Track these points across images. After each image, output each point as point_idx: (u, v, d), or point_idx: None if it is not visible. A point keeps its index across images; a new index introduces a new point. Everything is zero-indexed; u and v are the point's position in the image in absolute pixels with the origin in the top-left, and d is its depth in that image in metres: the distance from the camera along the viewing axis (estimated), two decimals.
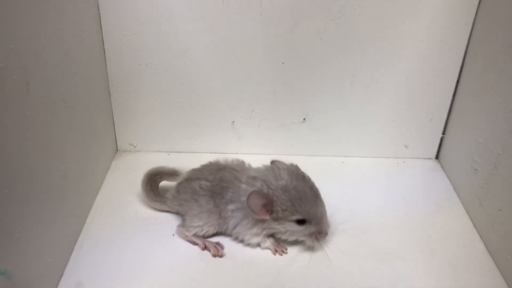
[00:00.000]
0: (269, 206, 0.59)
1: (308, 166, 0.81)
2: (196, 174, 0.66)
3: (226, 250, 0.64)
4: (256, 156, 0.84)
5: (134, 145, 0.84)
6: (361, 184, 0.78)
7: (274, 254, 0.63)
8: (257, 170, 0.64)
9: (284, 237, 0.62)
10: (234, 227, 0.63)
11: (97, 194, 0.73)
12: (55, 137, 0.56)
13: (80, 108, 0.65)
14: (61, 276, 0.58)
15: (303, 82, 0.77)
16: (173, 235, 0.66)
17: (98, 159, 0.75)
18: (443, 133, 0.83)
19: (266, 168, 0.63)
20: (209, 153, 0.85)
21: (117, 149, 0.84)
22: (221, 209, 0.62)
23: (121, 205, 0.71)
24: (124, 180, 0.77)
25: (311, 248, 0.63)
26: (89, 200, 0.71)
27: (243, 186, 0.61)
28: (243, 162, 0.67)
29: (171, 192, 0.68)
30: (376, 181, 0.79)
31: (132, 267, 0.60)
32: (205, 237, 0.64)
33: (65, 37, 0.58)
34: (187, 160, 0.82)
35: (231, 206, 0.61)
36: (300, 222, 0.60)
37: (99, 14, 0.70)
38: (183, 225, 0.65)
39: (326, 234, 0.62)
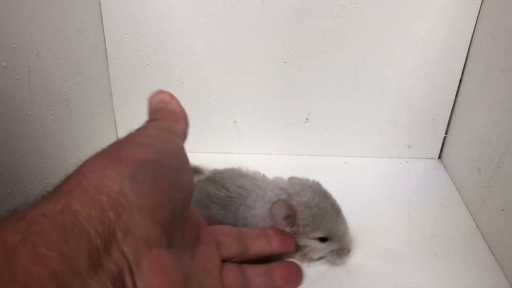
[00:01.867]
0: (291, 218, 0.58)
1: (310, 166, 0.82)
2: (217, 176, 0.64)
3: None
4: (257, 156, 0.84)
5: None
6: (363, 184, 0.78)
7: None
8: (281, 182, 0.62)
9: (304, 253, 0.61)
10: None
11: None
12: (57, 136, 0.56)
13: (82, 108, 0.65)
14: None
15: (305, 82, 0.77)
16: None
17: None
18: (446, 133, 0.82)
19: (289, 183, 0.62)
20: (211, 152, 0.85)
21: None
22: (236, 218, 0.60)
23: None
24: None
25: (333, 264, 0.62)
26: None
27: (269, 193, 0.60)
28: (263, 175, 0.66)
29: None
30: (379, 181, 0.79)
31: None
32: None
33: (67, 36, 0.58)
34: (189, 160, 0.83)
35: (252, 212, 0.60)
36: (322, 239, 0.59)
37: (101, 13, 0.70)
38: None
39: (349, 251, 0.61)
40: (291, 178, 0.64)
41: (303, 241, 0.59)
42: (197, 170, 0.70)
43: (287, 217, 0.58)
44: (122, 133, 0.82)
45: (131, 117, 0.81)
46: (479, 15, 0.71)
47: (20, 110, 0.47)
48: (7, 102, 0.45)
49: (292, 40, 0.73)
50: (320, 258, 0.61)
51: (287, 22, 0.71)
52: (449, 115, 0.80)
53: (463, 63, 0.75)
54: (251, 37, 0.73)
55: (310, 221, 0.58)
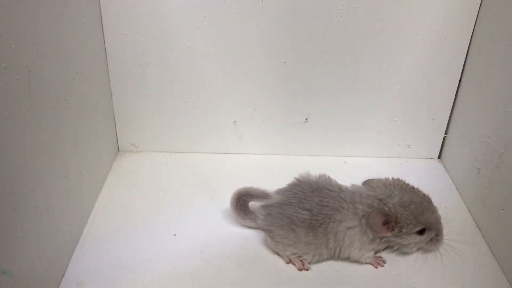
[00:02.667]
0: (390, 223, 0.59)
1: (310, 166, 0.81)
2: (289, 198, 0.63)
3: (226, 248, 0.64)
4: (258, 156, 0.84)
5: (136, 145, 0.84)
6: None
7: (377, 267, 0.62)
8: (361, 189, 0.63)
9: (405, 250, 0.63)
10: (349, 247, 0.61)
11: (99, 194, 0.73)
12: (56, 136, 0.56)
13: (82, 108, 0.65)
14: (63, 276, 0.58)
15: (305, 82, 0.77)
16: (174, 235, 0.66)
17: (100, 159, 0.75)
18: (446, 133, 0.82)
19: (371, 187, 0.63)
20: (211, 153, 0.85)
21: (118, 150, 0.84)
22: (328, 238, 0.60)
23: (123, 205, 0.71)
24: (125, 180, 0.77)
25: (426, 251, 0.64)
26: (91, 199, 0.71)
27: (360, 206, 0.60)
28: (334, 179, 0.66)
29: (261, 212, 0.65)
30: None
31: (134, 267, 0.60)
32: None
33: (67, 37, 0.58)
34: (189, 161, 0.83)
35: (344, 227, 0.60)
36: (421, 232, 0.61)
37: (100, 13, 0.70)
38: (275, 243, 0.62)
39: (443, 236, 0.63)
40: (367, 181, 0.65)
41: (406, 240, 0.61)
42: (264, 196, 0.65)
43: (385, 223, 0.59)
44: (122, 133, 0.83)
45: (131, 117, 0.81)
46: (479, 15, 0.71)
47: (19, 110, 0.47)
48: (7, 102, 0.44)
49: (292, 40, 0.73)
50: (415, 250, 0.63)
51: (286, 22, 0.71)
52: (449, 115, 0.80)
53: (463, 63, 0.75)
54: (250, 37, 0.73)
55: (412, 219, 0.59)
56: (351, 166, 0.83)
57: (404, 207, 0.59)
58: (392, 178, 0.64)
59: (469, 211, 0.72)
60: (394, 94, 0.78)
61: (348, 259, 0.62)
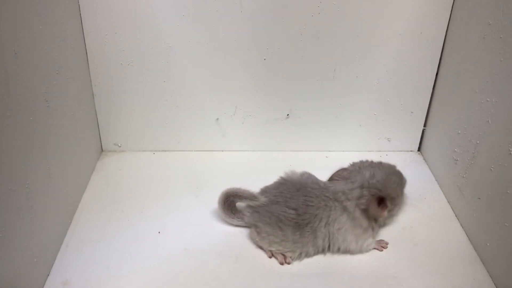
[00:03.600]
0: (385, 202, 0.61)
1: (292, 161, 0.83)
2: (276, 197, 0.63)
3: (210, 244, 0.65)
4: (241, 153, 0.85)
5: (119, 145, 0.84)
6: None
7: (382, 250, 0.64)
8: (338, 184, 0.64)
9: (390, 220, 0.67)
10: (344, 242, 0.62)
11: (83, 194, 0.73)
12: (37, 137, 0.56)
13: (63, 109, 0.65)
14: (48, 275, 0.59)
15: (285, 78, 0.78)
16: (158, 232, 0.66)
17: (83, 159, 0.75)
18: (424, 126, 0.84)
19: (344, 177, 0.65)
20: (194, 151, 0.85)
21: (102, 149, 0.84)
22: (315, 236, 0.61)
23: (107, 204, 0.71)
24: (109, 179, 0.77)
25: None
26: (75, 199, 0.71)
27: (349, 203, 0.61)
28: (314, 176, 0.67)
29: (248, 209, 0.65)
30: None
31: (118, 265, 0.61)
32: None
33: (46, 37, 0.58)
34: (173, 159, 0.83)
35: (333, 226, 0.61)
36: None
37: (80, 13, 0.70)
38: (260, 237, 0.63)
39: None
40: (335, 176, 0.67)
41: (397, 207, 0.65)
42: (252, 197, 0.65)
43: (379, 204, 0.61)
44: (105, 133, 0.83)
45: (113, 117, 0.81)
46: (453, 10, 0.72)
47: None
48: None
49: (271, 37, 0.74)
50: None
51: (265, 20, 0.72)
52: (427, 108, 0.82)
53: (439, 57, 0.77)
54: (230, 35, 0.73)
55: (398, 189, 0.63)
56: (333, 160, 0.84)
57: (389, 182, 0.62)
58: (354, 162, 0.67)
59: (448, 201, 0.74)
60: (373, 88, 0.79)
61: (349, 253, 0.63)
